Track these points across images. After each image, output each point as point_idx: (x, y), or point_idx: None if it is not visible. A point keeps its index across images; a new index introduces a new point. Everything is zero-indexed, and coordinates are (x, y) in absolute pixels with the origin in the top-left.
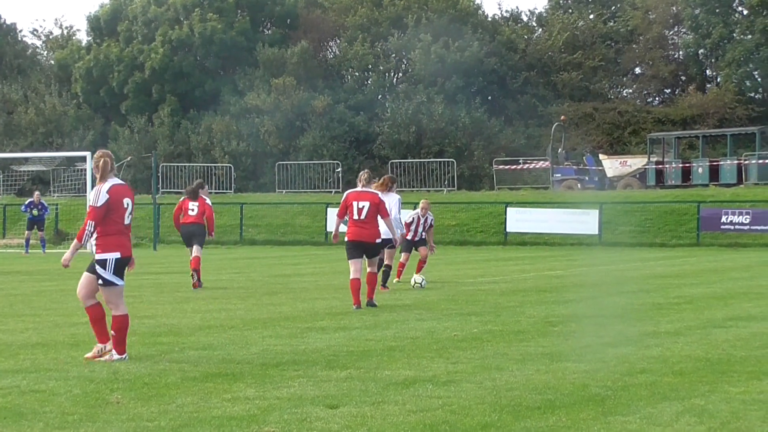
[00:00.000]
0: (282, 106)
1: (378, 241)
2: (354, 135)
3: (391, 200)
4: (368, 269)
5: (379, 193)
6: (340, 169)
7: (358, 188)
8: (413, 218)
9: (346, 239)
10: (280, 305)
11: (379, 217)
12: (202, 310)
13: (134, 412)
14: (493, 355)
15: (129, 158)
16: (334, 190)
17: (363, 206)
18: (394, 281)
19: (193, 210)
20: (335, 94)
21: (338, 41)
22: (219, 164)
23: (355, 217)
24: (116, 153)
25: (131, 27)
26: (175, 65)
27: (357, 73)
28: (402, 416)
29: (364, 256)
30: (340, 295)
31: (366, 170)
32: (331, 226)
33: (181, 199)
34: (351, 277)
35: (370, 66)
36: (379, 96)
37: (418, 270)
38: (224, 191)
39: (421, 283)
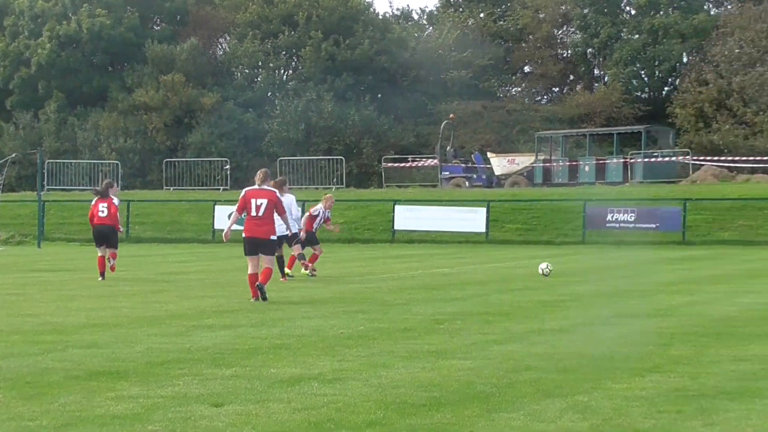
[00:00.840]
0: (170, 102)
1: (273, 237)
2: (243, 132)
3: (289, 201)
4: (264, 265)
5: (277, 191)
6: (228, 167)
7: (256, 186)
8: (319, 211)
9: (243, 236)
10: (166, 303)
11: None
12: (87, 308)
13: (16, 411)
14: (380, 352)
15: (14, 155)
16: (222, 188)
17: (261, 203)
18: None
19: (103, 211)
20: (224, 91)
21: (228, 38)
22: (106, 161)
23: (253, 213)
24: (1, 149)
25: (18, 22)
26: (63, 61)
27: (247, 71)
28: (287, 414)
29: (260, 254)
30: (227, 292)
31: (264, 169)
32: (218, 224)
33: (94, 200)
34: (249, 272)
35: (260, 63)
36: (269, 93)
37: (313, 260)
38: None
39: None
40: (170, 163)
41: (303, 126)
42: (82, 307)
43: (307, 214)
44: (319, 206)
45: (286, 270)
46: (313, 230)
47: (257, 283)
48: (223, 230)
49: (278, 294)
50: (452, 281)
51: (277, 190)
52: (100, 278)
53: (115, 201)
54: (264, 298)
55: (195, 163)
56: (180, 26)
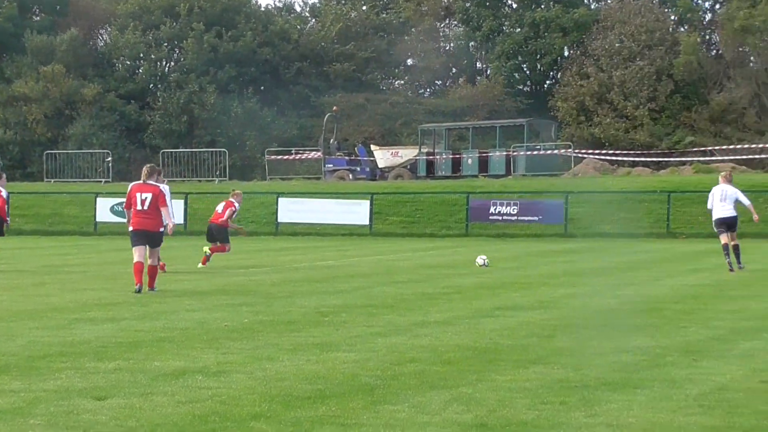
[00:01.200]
0: (51, 94)
1: (161, 230)
2: (125, 124)
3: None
4: (149, 261)
5: (161, 185)
6: (110, 159)
7: (141, 181)
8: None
9: (130, 228)
10: (48, 296)
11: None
12: None
13: None
14: (265, 345)
15: None
16: (104, 180)
17: (146, 198)
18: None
19: None
20: (106, 83)
21: (109, 29)
22: None
23: (139, 207)
24: None
25: None
26: None
27: (128, 62)
28: (171, 407)
29: (147, 246)
30: (110, 285)
31: (150, 164)
32: (100, 216)
33: None
34: (135, 260)
35: (141, 55)
36: (151, 85)
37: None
38: None
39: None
40: (51, 155)
41: (185, 118)
42: None
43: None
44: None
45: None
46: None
47: (149, 289)
48: (105, 222)
49: (162, 286)
50: (336, 274)
51: (160, 184)
52: None
53: (3, 193)
54: (151, 288)
55: (76, 155)
56: (60, 17)
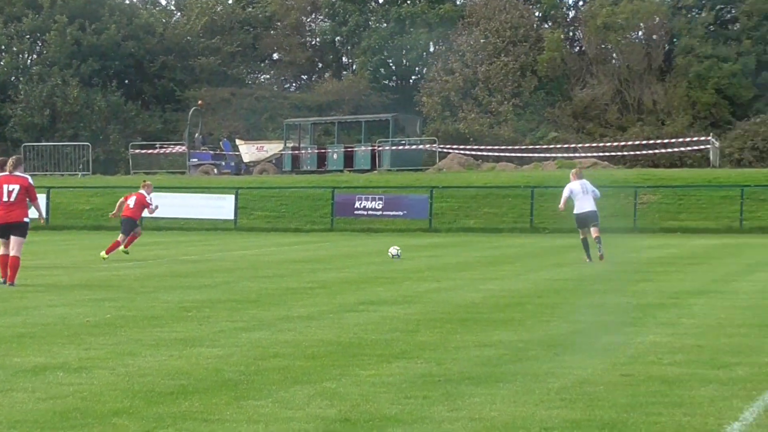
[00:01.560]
0: None
1: (26, 220)
2: None
3: None
4: (11, 253)
5: (29, 177)
6: None
7: (7, 172)
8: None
9: None
10: None
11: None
12: None
13: None
14: (127, 340)
15: None
16: None
17: (13, 189)
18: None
19: None
20: None
21: None
22: None
23: (5, 199)
24: None
25: None
26: None
27: None
28: (32, 404)
29: (12, 237)
30: None
31: (15, 156)
32: None
33: None
34: (0, 253)
35: (3, 47)
36: (12, 78)
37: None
38: None
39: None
40: None
41: (48, 111)
42: None
43: (142, 200)
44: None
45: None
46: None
47: (9, 284)
48: None
49: (23, 281)
50: (200, 269)
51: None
52: None
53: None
54: (11, 284)
55: None
56: None
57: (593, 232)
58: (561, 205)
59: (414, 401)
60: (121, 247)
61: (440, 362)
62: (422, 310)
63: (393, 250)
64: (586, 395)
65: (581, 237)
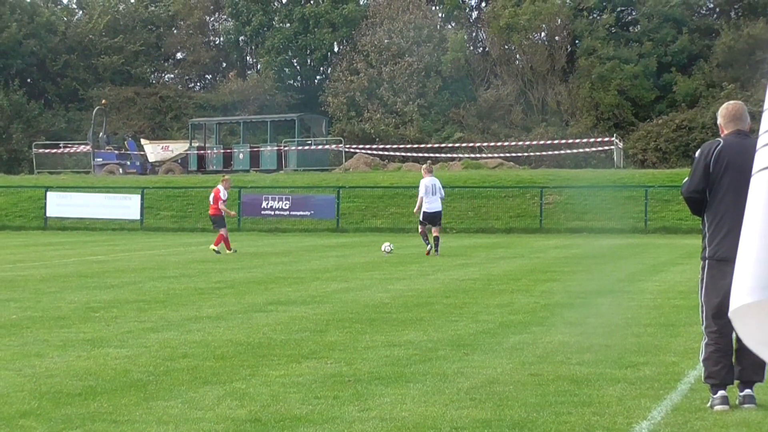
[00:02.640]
0: None
1: None
2: None
3: None
4: None
5: None
6: None
7: None
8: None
9: None
10: None
11: None
12: None
13: None
14: (33, 341)
15: None
16: None
17: None
18: None
19: None
20: None
21: None
22: None
23: None
24: None
25: None
26: None
27: None
28: None
29: None
30: None
31: None
32: None
33: None
34: None
35: None
36: None
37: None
38: None
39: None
40: None
41: None
42: None
43: (216, 196)
44: (222, 188)
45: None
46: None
47: None
48: None
49: None
50: (107, 269)
51: None
52: None
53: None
54: None
55: None
56: None
57: (434, 231)
58: (417, 207)
59: (324, 401)
60: (212, 246)
61: (350, 362)
62: (331, 310)
63: (386, 246)
64: (495, 395)
65: (421, 230)
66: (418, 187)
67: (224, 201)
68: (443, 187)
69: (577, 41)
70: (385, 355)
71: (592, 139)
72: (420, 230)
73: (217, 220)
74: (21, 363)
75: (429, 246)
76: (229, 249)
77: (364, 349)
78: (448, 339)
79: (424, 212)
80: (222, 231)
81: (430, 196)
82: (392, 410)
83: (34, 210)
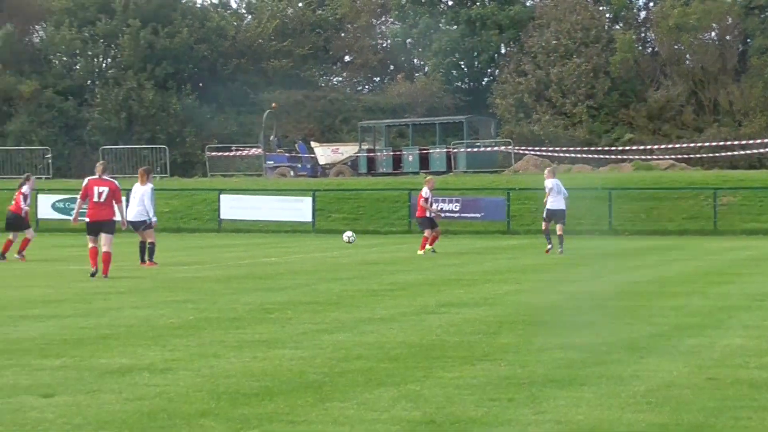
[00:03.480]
0: None
1: (113, 219)
2: (63, 120)
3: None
4: (103, 248)
5: (116, 181)
6: (49, 155)
7: (97, 176)
8: (429, 195)
9: (86, 220)
10: None
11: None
12: None
13: None
14: (210, 342)
15: None
16: (44, 176)
17: (102, 191)
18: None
19: None
20: (43, 79)
21: (44, 25)
22: None
23: (95, 199)
24: None
25: None
26: None
27: (65, 58)
28: (119, 404)
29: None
30: (53, 282)
31: (102, 161)
32: (41, 213)
33: None
34: (89, 246)
35: (77, 51)
36: (89, 81)
37: (433, 241)
38: None
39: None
40: None
41: (124, 114)
42: None
43: (419, 199)
44: (425, 189)
45: (427, 247)
46: (427, 216)
47: (104, 276)
48: (47, 218)
49: (105, 283)
50: (280, 271)
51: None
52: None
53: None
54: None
55: (16, 151)
56: None
57: (558, 229)
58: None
59: (499, 404)
60: (428, 245)
61: (524, 364)
62: (503, 312)
63: (348, 236)
64: (672, 398)
65: (545, 228)
66: (589, 189)
67: (426, 200)
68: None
69: (749, 40)
70: (559, 358)
71: (766, 140)
72: (543, 228)
73: (423, 221)
74: (199, 363)
75: (550, 245)
76: (427, 247)
77: (538, 351)
78: (622, 342)
79: (547, 209)
80: (427, 232)
81: (555, 195)
82: (567, 413)
83: (208, 212)
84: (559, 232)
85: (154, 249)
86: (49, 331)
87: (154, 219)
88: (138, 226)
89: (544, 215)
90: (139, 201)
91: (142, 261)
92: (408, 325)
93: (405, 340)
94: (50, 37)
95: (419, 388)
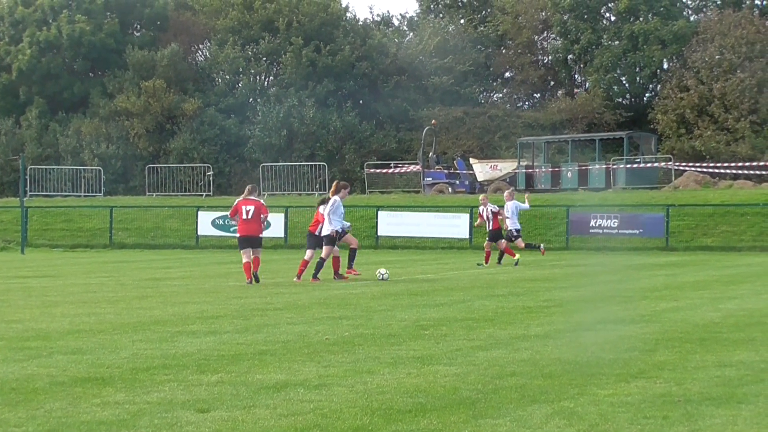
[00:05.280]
0: (152, 108)
1: (261, 235)
2: (225, 138)
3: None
4: (253, 255)
5: (262, 200)
6: (211, 173)
7: (244, 196)
8: (494, 209)
9: (238, 235)
10: (150, 309)
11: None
12: (71, 314)
13: (1, 417)
14: (365, 358)
15: None
16: (205, 194)
17: (249, 209)
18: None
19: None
20: (206, 97)
21: (209, 44)
22: (88, 167)
23: (244, 217)
24: None
25: None
26: (43, 66)
27: (228, 77)
28: (273, 420)
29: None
30: (211, 298)
31: (251, 184)
32: (201, 230)
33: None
34: (243, 261)
35: (241, 69)
36: (251, 99)
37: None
38: (94, 194)
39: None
40: (153, 168)
41: (285, 132)
42: (66, 313)
43: (493, 213)
44: (489, 206)
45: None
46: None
47: (252, 271)
48: (206, 235)
49: (262, 300)
50: (436, 287)
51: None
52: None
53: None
54: (257, 281)
55: (177, 168)
56: (160, 32)
57: (502, 244)
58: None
59: (653, 421)
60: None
61: (679, 382)
62: (660, 330)
63: (381, 272)
64: None
65: (506, 246)
66: (751, 205)
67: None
68: None
69: None
70: (716, 375)
71: None
72: (505, 246)
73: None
74: (353, 379)
75: (539, 247)
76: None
77: (694, 369)
78: None
79: (508, 230)
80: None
81: (513, 216)
82: (724, 431)
83: (366, 229)
84: (503, 248)
85: (354, 255)
86: (207, 347)
87: (339, 226)
88: (330, 242)
89: (506, 236)
90: (326, 215)
91: (349, 267)
92: (563, 342)
93: (559, 357)
94: (214, 56)
95: (573, 405)
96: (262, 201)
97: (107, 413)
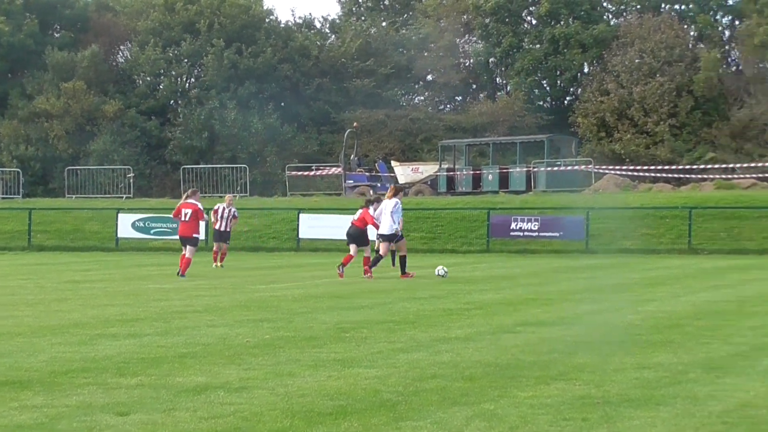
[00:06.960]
0: (72, 110)
1: (195, 235)
2: (146, 140)
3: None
4: (187, 256)
5: (199, 203)
6: (131, 175)
7: (183, 200)
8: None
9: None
10: (69, 312)
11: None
12: None
13: None
14: (286, 361)
15: None
16: (125, 196)
17: (187, 212)
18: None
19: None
20: (127, 99)
21: (130, 45)
22: (7, 169)
23: (183, 219)
24: None
25: None
26: None
27: (149, 78)
28: (194, 423)
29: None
30: (131, 301)
31: (192, 189)
32: (121, 232)
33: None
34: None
35: (162, 71)
36: (172, 101)
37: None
38: (12, 196)
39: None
40: (72, 170)
41: (206, 134)
42: None
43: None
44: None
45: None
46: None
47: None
48: (126, 238)
49: (182, 302)
50: (357, 290)
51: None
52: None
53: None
54: (182, 275)
55: (97, 170)
56: (81, 33)
57: (385, 249)
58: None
59: (573, 423)
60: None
61: (599, 384)
62: (580, 332)
63: (440, 270)
64: (748, 418)
65: (385, 251)
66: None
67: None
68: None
69: None
70: (635, 377)
71: None
72: (383, 251)
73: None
74: (274, 382)
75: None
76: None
77: (614, 371)
78: (699, 361)
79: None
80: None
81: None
82: None
83: (287, 231)
84: (383, 252)
85: (405, 261)
86: (127, 350)
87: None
88: (390, 239)
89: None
90: (389, 215)
91: (403, 273)
92: (484, 345)
93: (480, 360)
94: (135, 57)
95: (494, 408)
96: (199, 205)
97: (25, 417)
